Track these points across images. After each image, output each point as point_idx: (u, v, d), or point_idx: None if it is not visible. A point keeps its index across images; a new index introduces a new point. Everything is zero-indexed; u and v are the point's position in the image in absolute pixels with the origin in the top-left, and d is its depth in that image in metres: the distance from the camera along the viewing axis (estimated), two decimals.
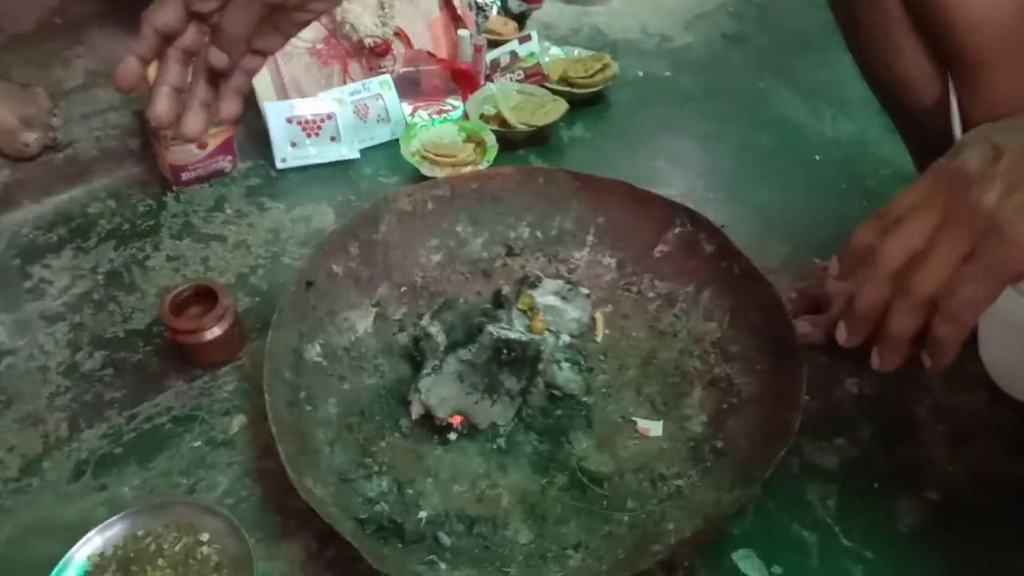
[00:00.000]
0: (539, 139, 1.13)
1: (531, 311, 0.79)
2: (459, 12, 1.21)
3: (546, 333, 0.78)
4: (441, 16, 1.20)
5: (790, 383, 0.68)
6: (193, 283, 0.81)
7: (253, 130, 1.10)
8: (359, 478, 0.68)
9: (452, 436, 0.72)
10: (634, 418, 0.74)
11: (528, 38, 1.24)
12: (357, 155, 1.09)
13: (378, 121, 1.11)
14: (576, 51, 1.29)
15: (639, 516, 0.66)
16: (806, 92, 1.25)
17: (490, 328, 0.73)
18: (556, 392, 0.75)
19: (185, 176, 1.02)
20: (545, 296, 0.81)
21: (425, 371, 0.73)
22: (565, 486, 0.69)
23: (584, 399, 0.76)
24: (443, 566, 0.62)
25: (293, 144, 1.07)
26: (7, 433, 0.74)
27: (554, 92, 1.17)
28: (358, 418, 0.73)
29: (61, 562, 0.61)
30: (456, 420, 0.72)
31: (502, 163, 1.03)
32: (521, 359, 0.72)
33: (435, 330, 0.76)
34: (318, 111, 1.07)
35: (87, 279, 0.91)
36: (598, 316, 0.83)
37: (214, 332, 0.78)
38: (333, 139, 1.08)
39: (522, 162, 1.09)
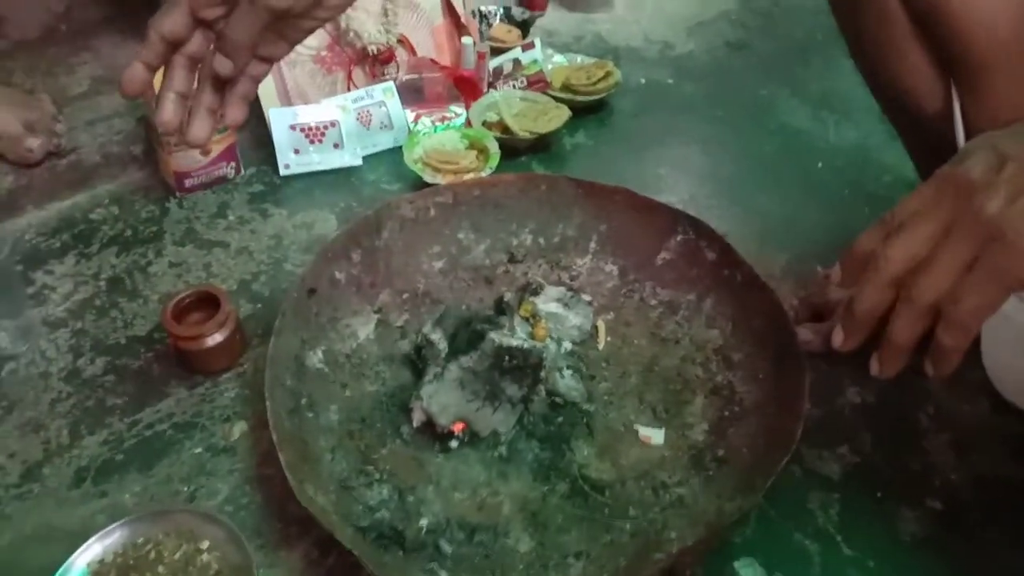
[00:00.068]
0: (542, 146, 1.13)
1: (533, 318, 0.79)
2: (462, 20, 1.22)
3: (548, 340, 0.78)
4: (444, 23, 1.21)
5: (792, 391, 0.68)
6: (195, 289, 0.81)
7: (256, 137, 1.10)
8: (360, 485, 0.68)
9: (453, 443, 0.72)
10: (636, 426, 0.74)
11: (531, 45, 1.25)
12: (360, 162, 1.09)
13: (381, 128, 1.11)
14: (579, 58, 1.29)
15: (641, 524, 0.66)
16: (809, 99, 1.25)
17: (492, 335, 0.73)
18: (558, 399, 0.75)
19: (189, 182, 1.02)
20: (547, 303, 0.81)
21: (427, 378, 0.73)
22: (566, 494, 0.69)
23: (586, 407, 0.75)
24: (444, 574, 0.62)
25: (296, 151, 1.07)
26: (8, 439, 0.74)
27: (557, 99, 1.17)
28: (359, 425, 0.73)
29: (61, 569, 0.61)
30: (457, 427, 0.72)
31: (505, 170, 1.03)
32: (523, 366, 0.72)
33: (437, 337, 0.76)
34: (321, 118, 1.07)
35: (89, 285, 0.91)
36: (600, 323, 0.83)
37: (216, 338, 0.78)
38: (336, 146, 1.08)
39: (524, 169, 1.09)
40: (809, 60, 1.35)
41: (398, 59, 1.17)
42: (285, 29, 0.60)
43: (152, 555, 0.62)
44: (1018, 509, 0.68)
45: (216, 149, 1.02)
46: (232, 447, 0.74)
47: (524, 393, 0.73)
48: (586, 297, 0.84)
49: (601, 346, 0.82)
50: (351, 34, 1.12)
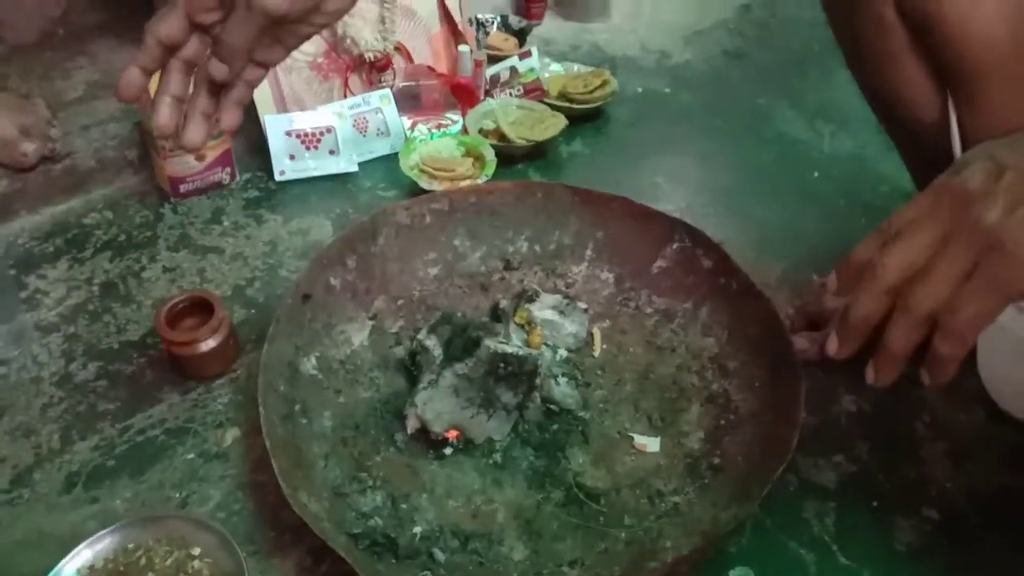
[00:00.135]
0: (538, 154, 1.13)
1: (529, 325, 0.79)
2: (460, 27, 1.22)
3: (543, 347, 0.78)
4: (442, 31, 1.21)
5: (788, 400, 0.67)
6: (189, 294, 0.81)
7: (252, 142, 1.10)
8: (353, 492, 0.67)
9: (448, 451, 0.72)
10: (631, 434, 0.74)
11: (528, 54, 1.25)
12: (356, 168, 1.09)
13: (377, 135, 1.11)
14: (576, 67, 1.29)
15: (636, 533, 0.66)
16: (805, 109, 1.26)
17: (487, 342, 0.72)
18: (553, 407, 0.75)
19: (183, 188, 1.02)
20: (543, 310, 0.81)
21: (421, 385, 0.73)
22: (561, 502, 0.69)
23: (581, 414, 0.75)
24: None
25: (292, 157, 1.07)
26: None
27: (553, 108, 1.17)
28: (353, 432, 0.73)
29: (50, 575, 0.60)
30: (452, 435, 0.71)
31: (501, 178, 1.03)
32: (518, 373, 0.72)
33: (432, 344, 0.76)
34: (317, 124, 1.07)
35: (82, 290, 0.90)
36: (596, 331, 0.83)
37: (209, 344, 0.77)
38: (332, 152, 1.08)
39: (521, 177, 1.09)
40: (806, 70, 1.35)
41: (395, 66, 1.17)
42: (282, 34, 0.60)
43: (143, 561, 0.61)
44: (1014, 518, 0.68)
45: (211, 154, 1.01)
46: (225, 453, 0.73)
47: (519, 400, 0.73)
48: (582, 305, 0.83)
49: (597, 354, 0.82)
50: (348, 41, 1.12)
